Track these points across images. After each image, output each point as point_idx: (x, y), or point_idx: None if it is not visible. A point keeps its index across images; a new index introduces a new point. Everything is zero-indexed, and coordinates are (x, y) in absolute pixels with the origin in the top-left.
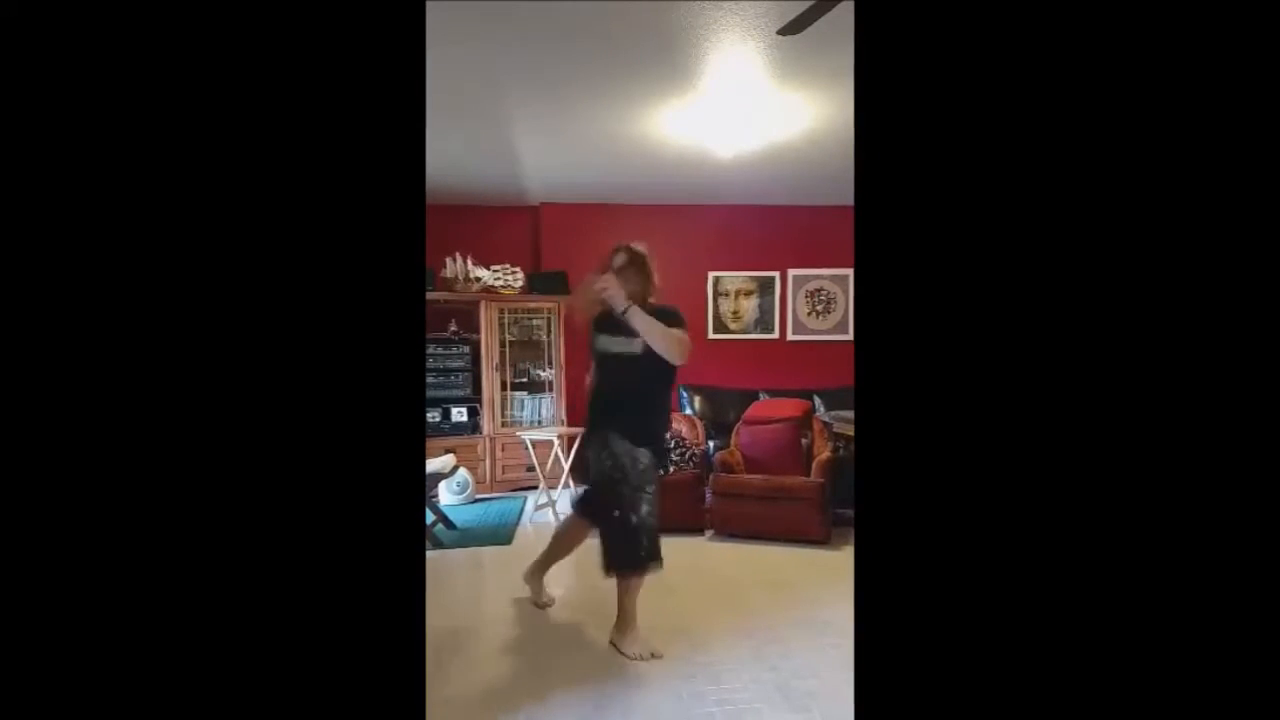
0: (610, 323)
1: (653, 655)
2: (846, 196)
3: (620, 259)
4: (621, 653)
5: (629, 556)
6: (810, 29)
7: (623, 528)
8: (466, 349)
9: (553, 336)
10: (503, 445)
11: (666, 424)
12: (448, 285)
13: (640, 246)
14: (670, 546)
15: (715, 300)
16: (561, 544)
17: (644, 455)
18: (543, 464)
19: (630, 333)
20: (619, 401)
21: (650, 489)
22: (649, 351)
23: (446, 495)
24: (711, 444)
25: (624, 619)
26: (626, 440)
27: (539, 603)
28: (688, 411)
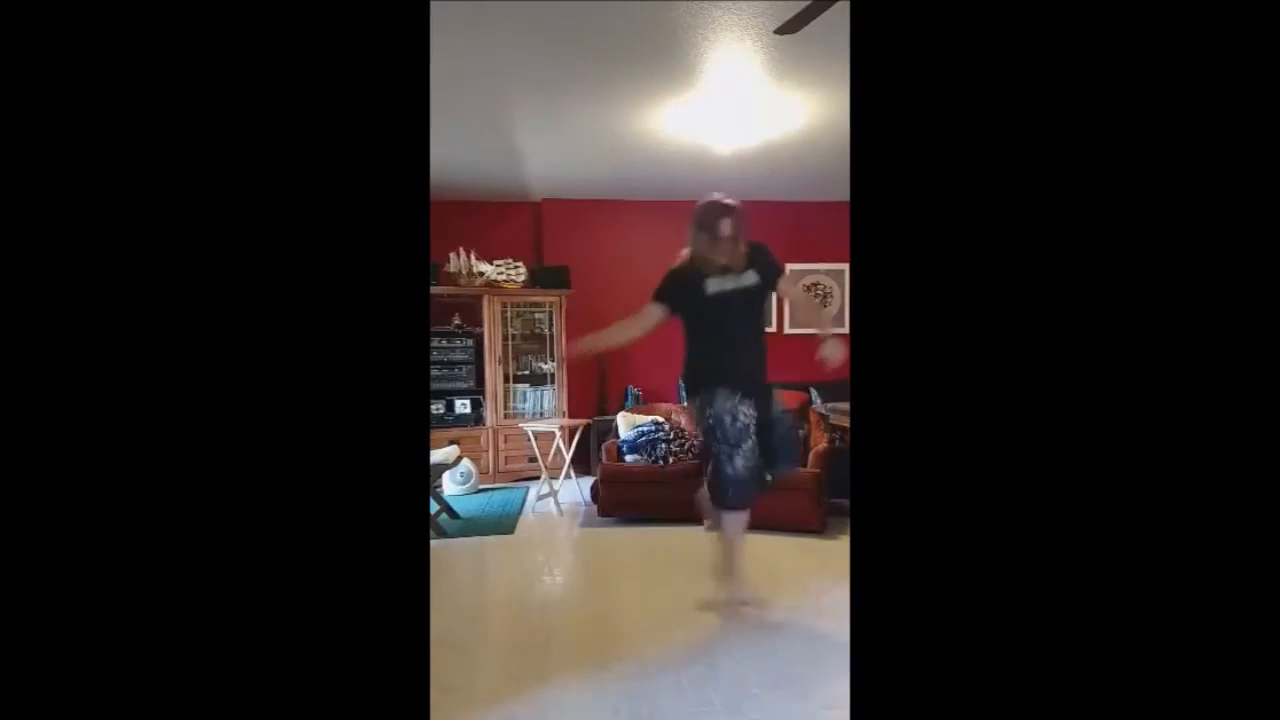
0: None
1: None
2: (842, 192)
3: (729, 227)
4: (725, 599)
5: (719, 499)
6: (807, 28)
7: (716, 477)
8: (470, 342)
9: (554, 330)
10: (505, 436)
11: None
12: (452, 280)
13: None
14: (669, 536)
15: None
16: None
17: (744, 411)
18: (544, 455)
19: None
20: (735, 340)
21: (747, 443)
22: (760, 284)
23: (450, 485)
24: None
25: (722, 567)
26: (736, 394)
27: (745, 601)
28: (686, 404)
